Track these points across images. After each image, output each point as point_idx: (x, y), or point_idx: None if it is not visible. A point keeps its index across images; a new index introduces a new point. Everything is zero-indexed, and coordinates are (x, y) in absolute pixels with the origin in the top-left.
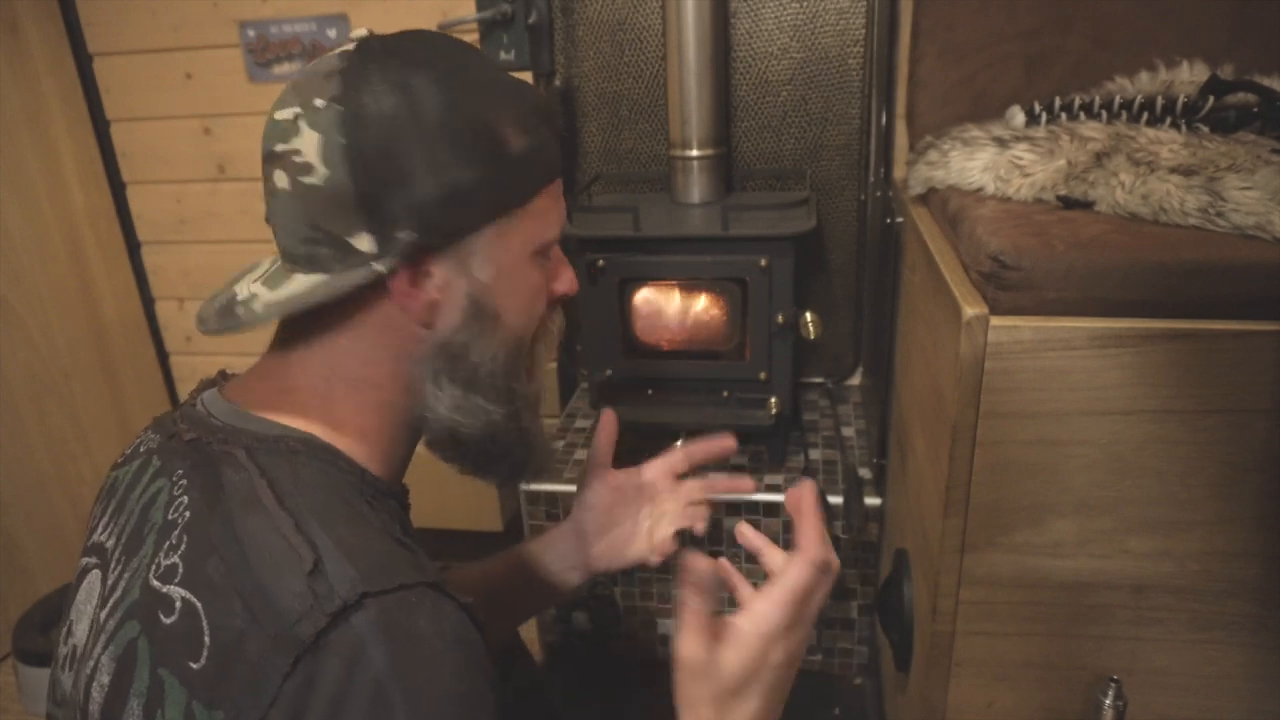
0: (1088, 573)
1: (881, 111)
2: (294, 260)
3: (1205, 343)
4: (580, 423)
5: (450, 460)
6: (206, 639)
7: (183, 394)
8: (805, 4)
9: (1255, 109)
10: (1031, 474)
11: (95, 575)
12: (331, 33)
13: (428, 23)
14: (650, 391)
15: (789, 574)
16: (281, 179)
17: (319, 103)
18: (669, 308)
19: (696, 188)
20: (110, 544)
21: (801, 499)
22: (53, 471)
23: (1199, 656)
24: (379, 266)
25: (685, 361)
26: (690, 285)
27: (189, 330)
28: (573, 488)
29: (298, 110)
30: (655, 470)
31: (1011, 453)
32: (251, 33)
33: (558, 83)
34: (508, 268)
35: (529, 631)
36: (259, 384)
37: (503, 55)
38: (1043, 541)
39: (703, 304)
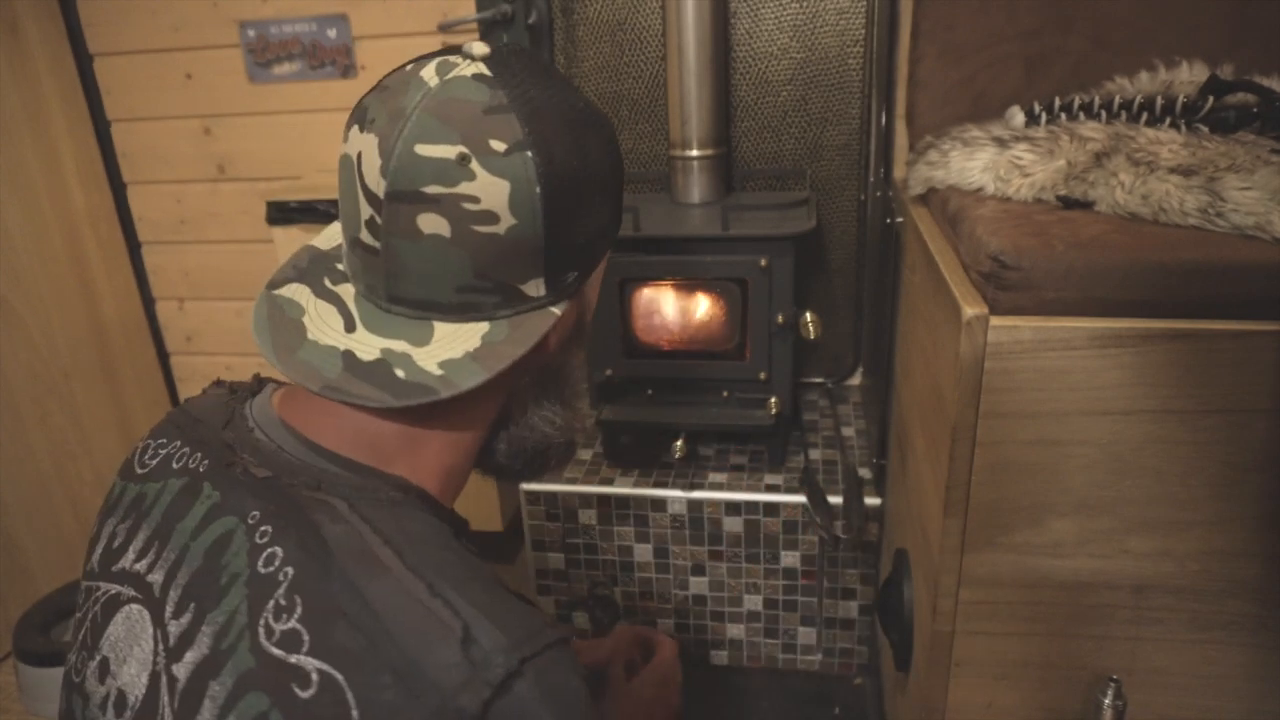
0: (1088, 573)
1: (881, 111)
2: (424, 306)
3: (1205, 343)
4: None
5: (515, 475)
6: (355, 713)
7: (183, 394)
8: (805, 4)
9: (1255, 109)
10: (1031, 474)
11: (138, 613)
12: (331, 33)
13: (428, 23)
14: (650, 391)
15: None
16: (436, 224)
17: (497, 145)
18: (669, 308)
19: (696, 188)
20: (156, 580)
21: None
22: (53, 471)
23: (1199, 656)
24: (556, 310)
25: (685, 361)
26: (690, 285)
27: (189, 330)
28: (573, 488)
29: (463, 151)
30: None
31: (1011, 453)
32: (251, 33)
33: None
34: (594, 295)
35: None
36: (326, 413)
37: None
38: (1043, 541)
39: (703, 304)
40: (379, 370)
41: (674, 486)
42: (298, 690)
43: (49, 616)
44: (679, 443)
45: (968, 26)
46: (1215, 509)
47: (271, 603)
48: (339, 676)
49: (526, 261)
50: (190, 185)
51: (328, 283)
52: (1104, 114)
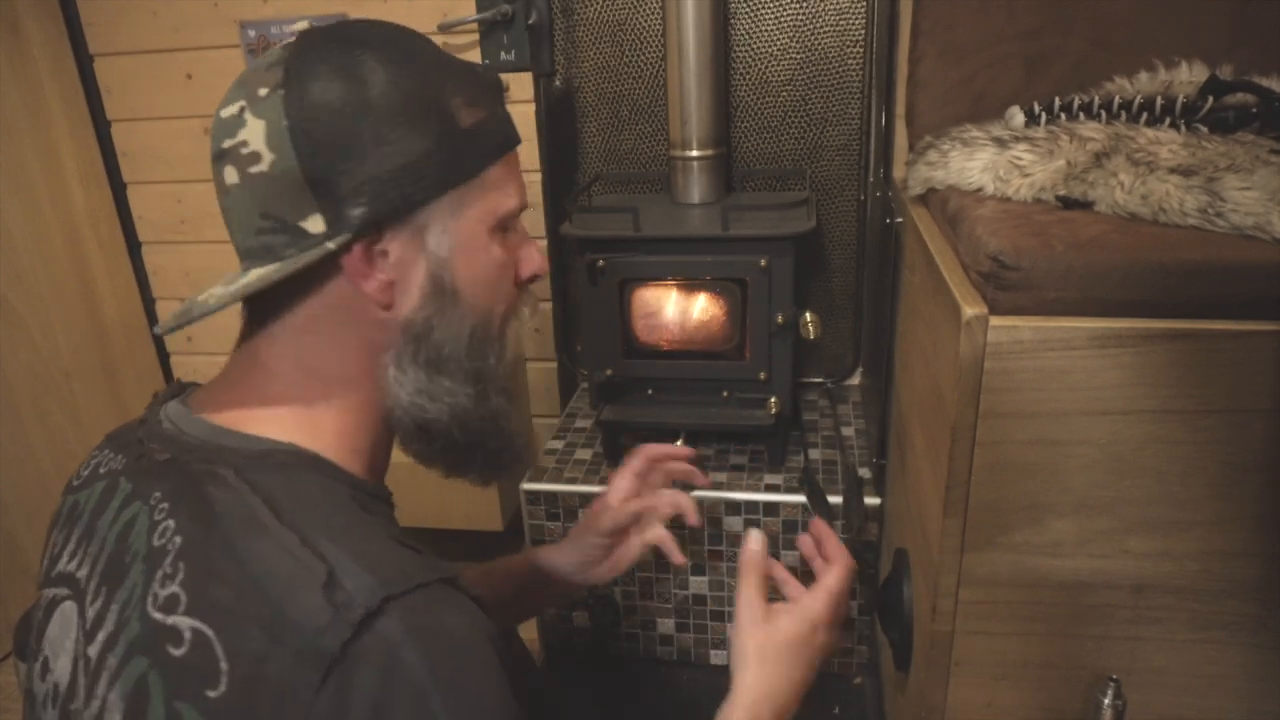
0: (1087, 572)
1: (881, 111)
2: (249, 256)
3: (1205, 343)
4: (580, 422)
5: (426, 459)
6: (224, 665)
7: None
8: (805, 4)
9: (1254, 109)
10: (1031, 474)
11: (69, 608)
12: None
13: (428, 23)
14: (650, 391)
15: (832, 577)
16: (231, 174)
17: (262, 92)
18: (669, 308)
19: (696, 188)
20: (83, 574)
21: (817, 527)
22: (53, 471)
23: (1198, 656)
24: (331, 245)
25: (685, 361)
26: (690, 285)
27: (189, 330)
28: (573, 487)
29: (242, 104)
30: (626, 487)
31: (1011, 453)
32: (252, 33)
33: (558, 83)
34: (465, 242)
35: (529, 631)
36: (228, 395)
37: (503, 55)
38: (1042, 541)
39: (703, 304)
40: (189, 309)
41: (674, 486)
42: (171, 649)
43: None
44: (679, 442)
45: (968, 26)
46: (1215, 509)
47: (160, 572)
48: (209, 631)
49: (296, 196)
50: (191, 185)
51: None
52: (1104, 114)
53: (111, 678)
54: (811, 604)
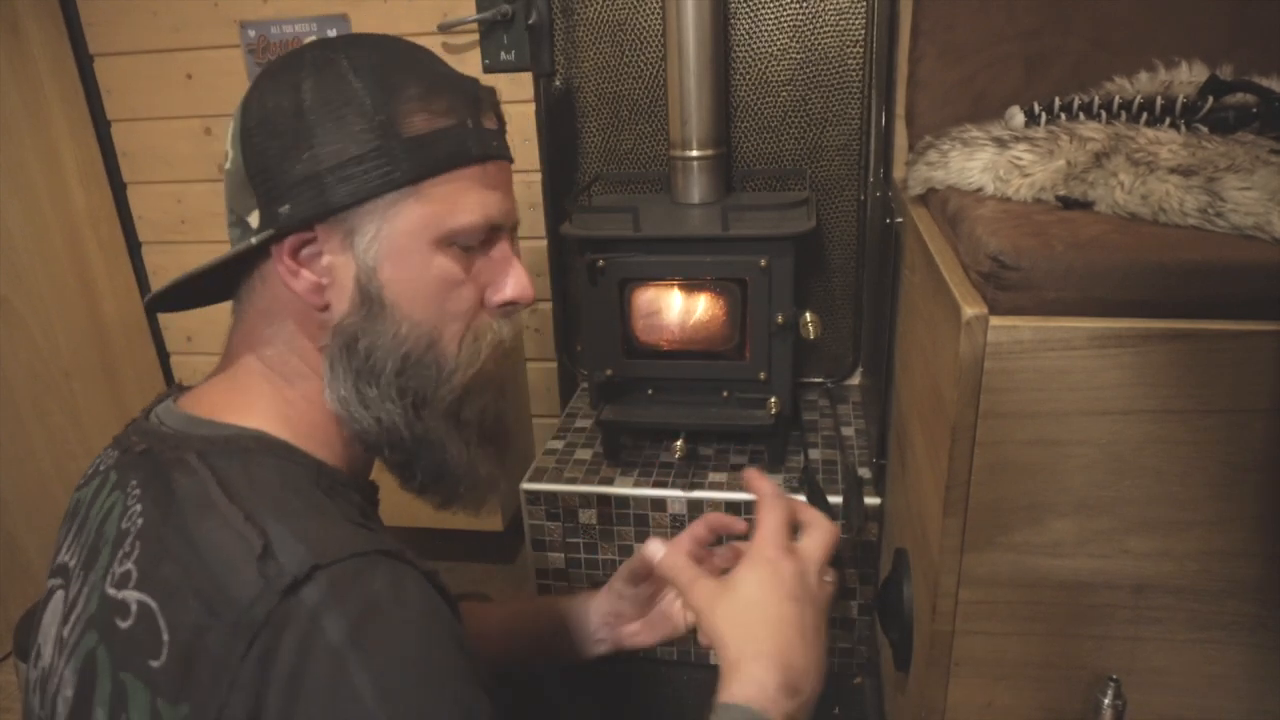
0: (1087, 572)
1: (881, 112)
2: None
3: (1205, 343)
4: (580, 422)
5: (389, 466)
6: (165, 637)
7: None
8: (805, 4)
9: (1254, 109)
10: (1031, 474)
11: (59, 596)
12: (332, 33)
13: (428, 23)
14: (650, 391)
15: (763, 515)
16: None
17: (243, 96)
18: (669, 308)
19: (696, 188)
20: (72, 563)
21: (751, 480)
22: (53, 471)
23: (1198, 656)
24: (254, 240)
25: (685, 361)
26: (690, 285)
27: (190, 330)
28: (573, 488)
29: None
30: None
31: (1011, 453)
32: (252, 33)
33: (558, 83)
34: (396, 252)
35: None
36: (208, 387)
37: (503, 55)
38: (1042, 541)
39: (703, 304)
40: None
41: (674, 486)
42: (119, 622)
43: None
44: (679, 443)
45: (968, 26)
46: (1215, 509)
47: (120, 551)
48: (153, 604)
49: (244, 191)
50: (191, 185)
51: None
52: (1104, 114)
53: (69, 654)
54: (756, 547)
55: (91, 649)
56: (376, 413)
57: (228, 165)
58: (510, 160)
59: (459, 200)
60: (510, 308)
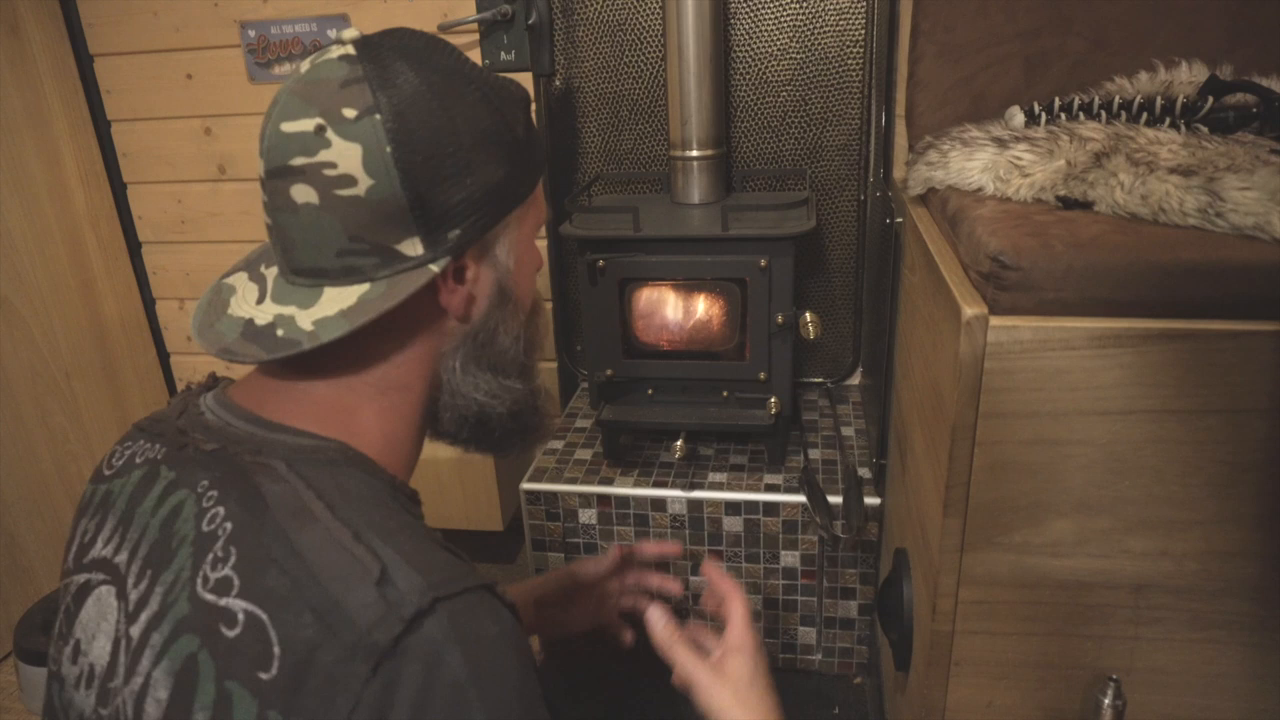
0: (1087, 572)
1: (881, 112)
2: (320, 275)
3: (1205, 343)
4: (580, 423)
5: (465, 443)
6: (276, 649)
7: None
8: (805, 4)
9: (1254, 109)
10: (1030, 474)
11: (106, 592)
12: (332, 33)
13: (428, 23)
14: (650, 391)
15: (736, 608)
16: (306, 193)
17: (349, 113)
18: (669, 308)
19: (696, 188)
20: (122, 559)
21: (705, 569)
22: (54, 471)
23: (1198, 656)
24: (434, 268)
25: (685, 361)
26: (690, 285)
27: (189, 330)
28: (573, 488)
29: (319, 122)
30: (602, 570)
31: (1011, 452)
32: (252, 33)
33: (558, 83)
34: (522, 252)
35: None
36: (275, 391)
37: (503, 55)
38: (1042, 541)
39: (702, 304)
40: (266, 332)
41: (674, 486)
42: (225, 630)
43: (50, 616)
44: (679, 443)
45: (967, 26)
46: (1215, 509)
47: (210, 555)
48: (263, 615)
49: (395, 220)
50: (191, 185)
51: (262, 268)
52: (1103, 114)
53: (156, 655)
54: (738, 638)
55: (191, 653)
56: (513, 397)
57: (354, 192)
58: None
59: (541, 196)
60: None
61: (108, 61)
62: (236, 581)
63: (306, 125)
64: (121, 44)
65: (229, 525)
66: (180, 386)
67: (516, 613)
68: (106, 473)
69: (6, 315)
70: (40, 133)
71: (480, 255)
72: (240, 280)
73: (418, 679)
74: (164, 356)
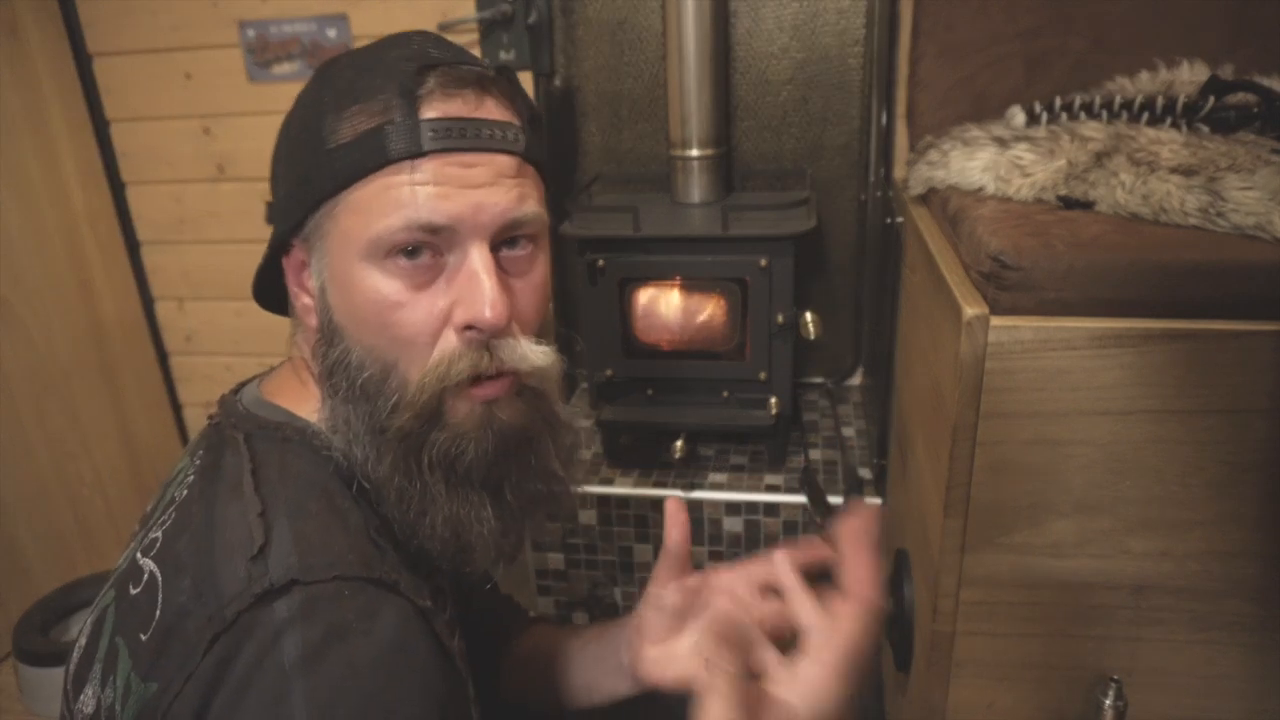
0: (1087, 573)
1: (881, 111)
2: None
3: (1205, 343)
4: (580, 422)
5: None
6: (157, 612)
7: (183, 394)
8: (805, 4)
9: (1255, 109)
10: (1031, 474)
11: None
12: (331, 33)
13: (428, 23)
14: (650, 391)
15: (843, 632)
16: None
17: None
18: (669, 308)
19: (696, 188)
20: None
21: (858, 530)
22: (52, 471)
23: (1199, 656)
24: (268, 251)
25: (685, 361)
26: (690, 285)
27: (189, 330)
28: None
29: None
30: (738, 580)
31: (1011, 453)
32: (251, 33)
33: (558, 82)
34: (336, 268)
35: None
36: (279, 373)
37: (503, 55)
38: (1042, 542)
39: (702, 304)
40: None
41: (674, 486)
42: (131, 587)
43: (49, 616)
44: (679, 443)
45: (968, 26)
46: (1215, 509)
47: (162, 517)
48: (159, 577)
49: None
50: (190, 185)
51: None
52: (1104, 114)
53: (93, 608)
54: (807, 696)
55: (107, 605)
56: (346, 439)
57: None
58: (499, 150)
59: (374, 204)
60: (475, 334)
61: (106, 61)
62: (159, 542)
63: None
64: (120, 43)
65: (184, 491)
66: (180, 387)
67: (429, 618)
68: None
69: (4, 315)
70: (39, 132)
71: (314, 264)
72: None
73: (250, 658)
74: (163, 356)
